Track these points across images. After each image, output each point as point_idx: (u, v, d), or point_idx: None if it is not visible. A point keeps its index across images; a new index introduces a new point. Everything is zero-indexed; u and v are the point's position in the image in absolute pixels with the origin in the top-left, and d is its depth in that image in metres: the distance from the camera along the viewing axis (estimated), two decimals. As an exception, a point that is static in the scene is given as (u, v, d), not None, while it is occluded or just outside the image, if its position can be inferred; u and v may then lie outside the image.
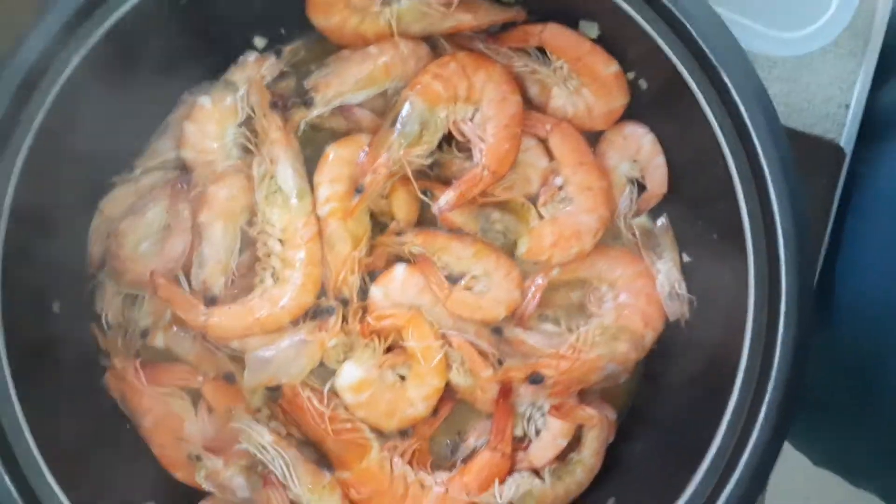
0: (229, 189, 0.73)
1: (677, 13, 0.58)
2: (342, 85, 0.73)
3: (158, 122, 0.76)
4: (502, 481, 0.71)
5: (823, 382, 0.79)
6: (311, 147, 0.75)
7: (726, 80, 0.57)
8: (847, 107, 0.78)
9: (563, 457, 0.73)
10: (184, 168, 0.75)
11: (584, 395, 0.73)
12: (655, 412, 0.73)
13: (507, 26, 0.74)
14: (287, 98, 0.75)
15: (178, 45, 0.70)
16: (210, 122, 0.74)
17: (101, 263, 0.74)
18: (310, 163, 0.74)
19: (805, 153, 0.72)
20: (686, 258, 0.72)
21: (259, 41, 0.77)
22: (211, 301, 0.72)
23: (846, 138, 0.78)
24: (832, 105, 0.78)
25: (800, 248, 0.57)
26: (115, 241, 0.73)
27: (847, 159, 0.76)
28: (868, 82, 0.79)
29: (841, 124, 0.78)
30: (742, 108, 0.57)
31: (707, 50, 0.58)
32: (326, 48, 0.76)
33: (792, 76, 0.79)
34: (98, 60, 0.63)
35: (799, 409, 0.60)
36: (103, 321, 0.74)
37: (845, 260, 0.76)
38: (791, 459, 0.98)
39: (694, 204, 0.69)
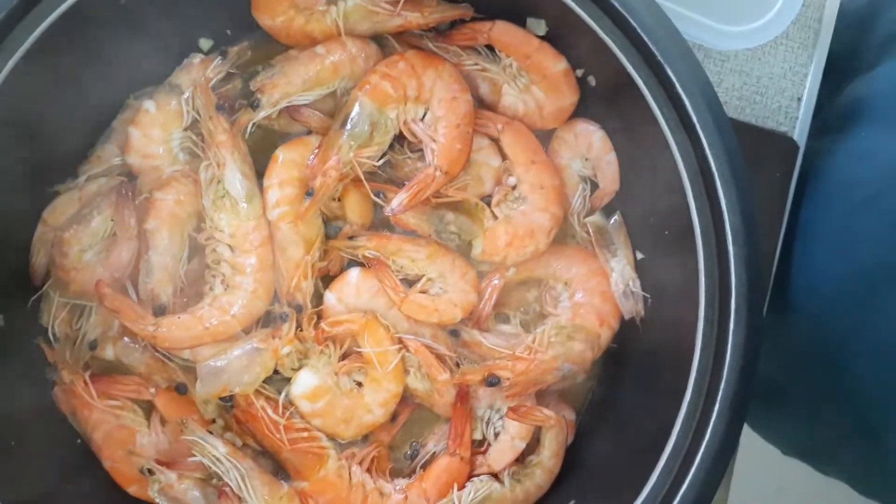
0: (176, 194, 0.71)
1: (620, 8, 0.58)
2: (289, 85, 0.71)
3: (103, 128, 0.74)
4: (461, 486, 0.70)
5: (785, 372, 0.79)
6: (260, 149, 0.73)
7: (671, 74, 0.57)
8: (799, 100, 0.79)
9: (522, 459, 0.72)
10: (129, 174, 0.73)
11: (541, 397, 0.72)
12: (613, 411, 0.72)
13: (455, 24, 0.73)
14: (233, 100, 0.73)
15: (120, 47, 0.68)
16: (155, 126, 0.72)
17: (46, 274, 0.72)
18: (258, 165, 0.72)
19: (758, 146, 0.73)
20: (639, 255, 0.72)
21: (204, 42, 0.75)
22: (159, 310, 0.70)
23: (799, 131, 0.79)
24: (784, 98, 0.79)
25: (748, 242, 0.56)
26: (59, 251, 0.71)
27: (801, 152, 0.76)
28: (819, 74, 0.79)
29: (794, 117, 0.78)
30: (687, 102, 0.57)
31: (651, 44, 0.57)
32: (274, 49, 0.74)
33: (744, 69, 0.79)
34: (36, 64, 0.61)
35: (763, 400, 0.59)
36: (50, 334, 0.71)
37: (801, 250, 0.76)
38: (762, 451, 0.99)
39: (646, 201, 0.69)
